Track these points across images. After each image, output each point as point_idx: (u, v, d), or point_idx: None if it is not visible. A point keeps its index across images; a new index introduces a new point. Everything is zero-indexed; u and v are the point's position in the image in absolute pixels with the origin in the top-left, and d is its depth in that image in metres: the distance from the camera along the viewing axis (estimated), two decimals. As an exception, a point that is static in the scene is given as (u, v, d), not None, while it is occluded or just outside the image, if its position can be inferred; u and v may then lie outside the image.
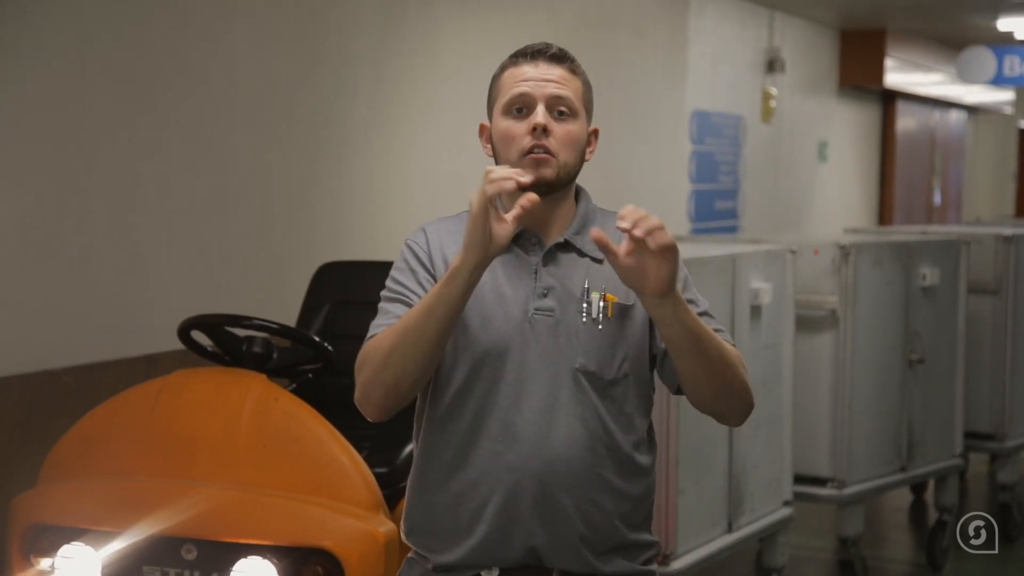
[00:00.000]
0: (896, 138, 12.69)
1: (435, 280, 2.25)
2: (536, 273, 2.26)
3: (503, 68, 2.31)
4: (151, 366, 4.60)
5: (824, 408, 5.28)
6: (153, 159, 4.79)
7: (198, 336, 3.72)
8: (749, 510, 4.65)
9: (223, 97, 5.10)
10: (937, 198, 14.24)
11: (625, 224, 2.03)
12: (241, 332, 3.65)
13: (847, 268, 5.25)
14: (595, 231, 2.07)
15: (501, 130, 2.26)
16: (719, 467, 4.47)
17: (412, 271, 2.28)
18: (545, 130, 2.22)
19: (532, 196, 2.08)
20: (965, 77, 11.77)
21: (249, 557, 3.13)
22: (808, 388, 5.22)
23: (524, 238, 2.28)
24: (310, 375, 3.75)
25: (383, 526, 3.18)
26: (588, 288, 2.25)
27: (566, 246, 2.29)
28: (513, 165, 2.23)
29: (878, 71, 11.60)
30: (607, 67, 7.83)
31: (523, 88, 2.25)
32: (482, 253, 2.09)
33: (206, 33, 5.02)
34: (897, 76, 11.95)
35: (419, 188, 6.23)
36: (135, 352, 4.65)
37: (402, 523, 2.37)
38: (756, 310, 4.63)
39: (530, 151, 2.23)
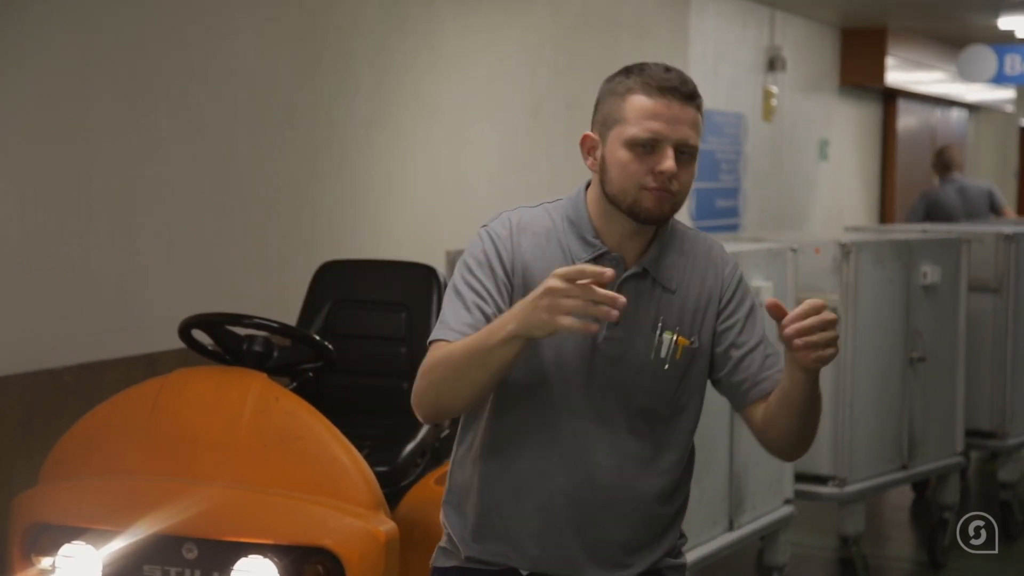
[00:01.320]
0: (897, 137, 12.65)
1: (511, 286, 2.22)
2: None
3: (629, 90, 2.27)
4: (151, 365, 4.60)
5: (825, 406, 5.21)
6: (154, 158, 4.79)
7: (199, 335, 3.71)
8: (750, 508, 4.65)
9: (224, 96, 5.10)
10: None
11: (790, 332, 2.06)
12: (242, 331, 3.65)
13: (848, 266, 5.25)
14: (770, 301, 2.08)
15: (621, 160, 2.23)
16: (720, 465, 4.47)
17: (492, 269, 2.24)
18: (672, 176, 2.22)
19: (621, 300, 2.01)
20: (966, 76, 11.75)
21: (250, 556, 3.12)
22: (809, 387, 5.20)
23: (606, 259, 2.26)
24: (311, 374, 3.75)
25: (384, 525, 3.18)
26: (662, 327, 2.25)
27: (643, 274, 2.28)
28: (627, 192, 2.22)
29: (879, 70, 11.59)
30: (608, 66, 7.78)
31: (655, 129, 2.22)
32: (542, 335, 2.05)
33: (207, 32, 5.02)
34: (898, 75, 11.94)
35: (421, 187, 6.23)
36: (136, 351, 4.65)
37: (442, 506, 2.38)
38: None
39: (653, 189, 2.21)
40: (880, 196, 12.40)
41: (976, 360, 6.21)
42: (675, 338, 2.25)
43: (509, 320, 2.06)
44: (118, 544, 3.18)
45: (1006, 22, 10.76)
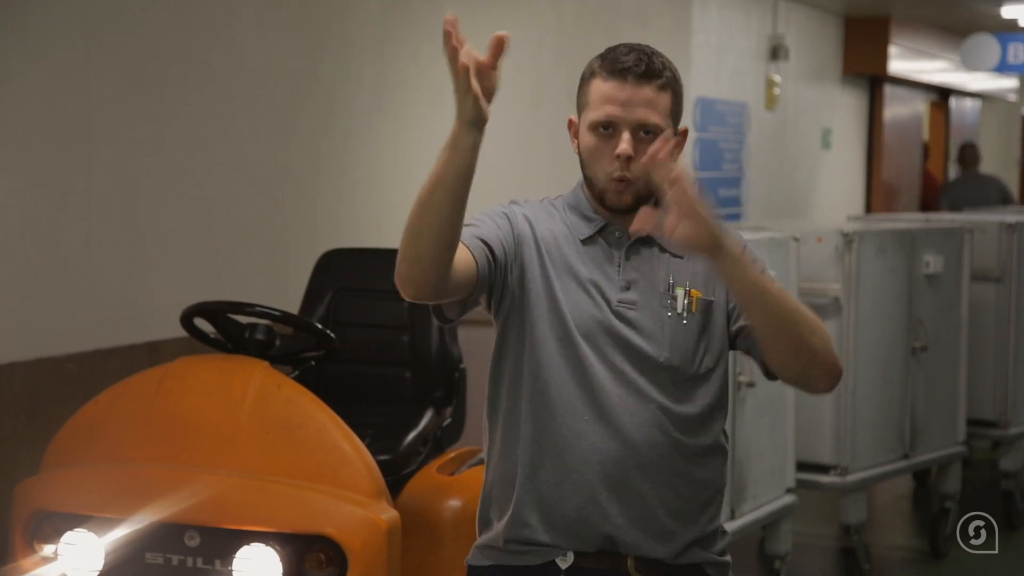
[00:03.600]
0: (884, 124, 12.45)
1: (515, 242, 2.27)
2: (620, 266, 2.29)
3: (592, 73, 2.31)
4: (154, 353, 4.60)
5: (827, 396, 5.27)
6: (156, 147, 4.79)
7: (201, 323, 3.72)
8: (752, 497, 4.65)
9: (227, 85, 5.09)
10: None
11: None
12: (244, 319, 3.66)
13: (850, 256, 5.24)
14: (633, 226, 2.11)
15: (587, 145, 2.30)
16: (722, 454, 4.47)
17: (495, 219, 2.28)
18: (629, 158, 2.25)
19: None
20: (969, 64, 11.74)
21: (252, 544, 3.13)
22: (811, 376, 5.20)
23: (608, 231, 2.32)
24: (313, 362, 3.75)
25: (385, 513, 3.19)
26: (673, 283, 2.28)
27: (648, 241, 2.31)
28: (598, 179, 2.28)
29: (882, 59, 11.56)
30: (610, 54, 7.81)
31: (610, 112, 2.26)
32: (472, 111, 2.08)
33: (210, 21, 5.01)
34: (901, 63, 11.91)
35: (423, 176, 6.21)
36: (138, 339, 4.65)
37: (480, 499, 2.38)
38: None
39: (613, 177, 2.26)
40: (866, 185, 12.24)
41: (978, 349, 6.21)
42: (688, 291, 2.28)
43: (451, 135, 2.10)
44: (120, 532, 3.19)
45: (1009, 11, 10.75)
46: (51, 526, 3.27)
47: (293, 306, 4.40)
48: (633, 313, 2.27)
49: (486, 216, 2.30)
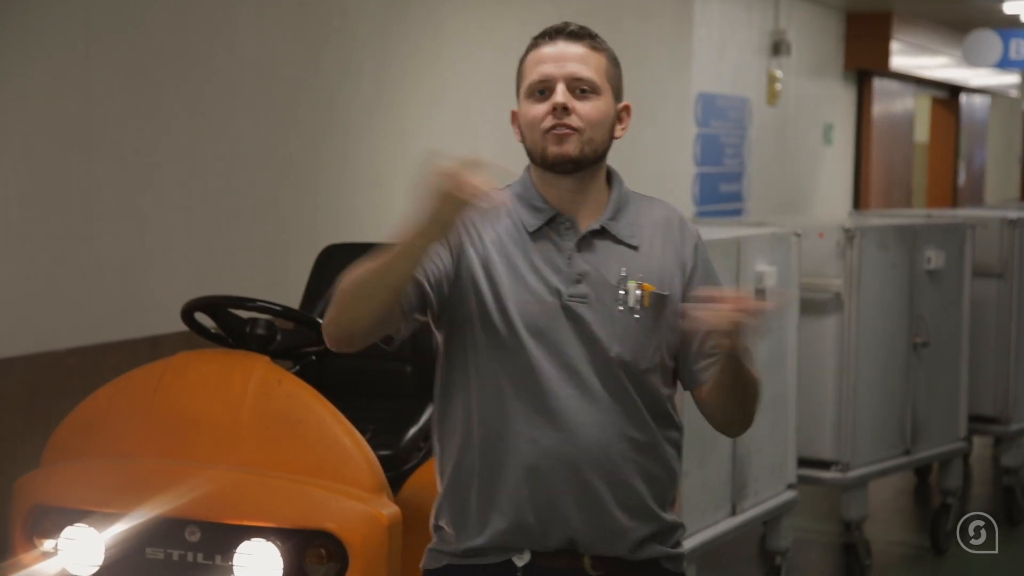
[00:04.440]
0: (872, 119, 12.34)
1: (451, 256, 2.25)
2: (570, 258, 2.25)
3: (527, 52, 2.32)
4: (154, 348, 4.60)
5: (828, 391, 5.27)
6: (157, 142, 4.78)
7: (201, 318, 3.71)
8: (753, 493, 4.65)
9: (228, 80, 5.09)
10: (962, 179, 14.24)
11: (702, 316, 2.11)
12: (244, 314, 3.65)
13: (852, 251, 5.24)
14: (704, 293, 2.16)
15: (526, 113, 2.27)
16: (723, 450, 4.47)
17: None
18: (565, 109, 2.22)
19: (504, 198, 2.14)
20: (971, 60, 11.71)
21: (252, 539, 3.12)
22: (812, 371, 5.21)
23: (557, 222, 2.27)
24: (313, 357, 3.75)
25: (386, 508, 3.18)
26: (626, 276, 2.25)
27: (601, 232, 2.28)
28: (537, 145, 2.25)
29: (884, 54, 11.54)
30: (612, 48, 7.79)
31: (543, 69, 2.26)
32: (440, 235, 2.10)
33: (211, 18, 5.00)
34: (903, 59, 11.89)
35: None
36: (138, 334, 4.64)
37: (433, 508, 2.36)
38: (761, 293, 4.62)
39: (551, 129, 2.22)
40: (854, 182, 12.13)
41: (980, 345, 6.21)
42: (639, 284, 2.24)
43: (410, 226, 2.12)
44: (120, 527, 3.18)
45: (1011, 6, 10.73)
46: (51, 521, 3.27)
47: (294, 301, 4.40)
48: (584, 307, 2.23)
49: None
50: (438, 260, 2.24)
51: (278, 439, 3.24)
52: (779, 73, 10.13)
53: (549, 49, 2.27)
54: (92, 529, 3.21)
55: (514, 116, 2.34)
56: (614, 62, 2.32)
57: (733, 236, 4.55)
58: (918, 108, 13.76)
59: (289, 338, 3.64)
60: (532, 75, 2.27)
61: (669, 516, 2.33)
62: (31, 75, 4.32)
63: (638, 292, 2.24)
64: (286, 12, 5.38)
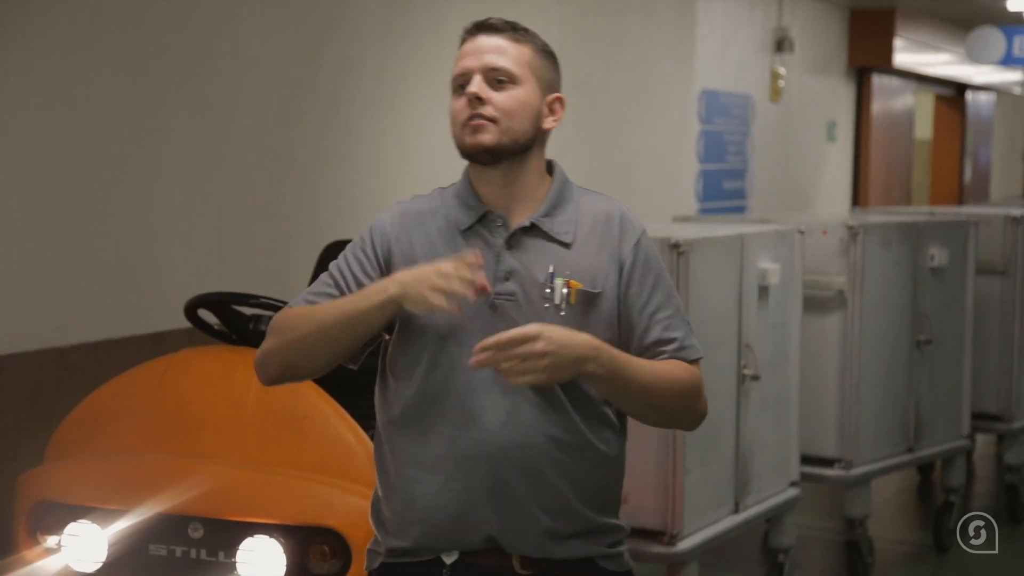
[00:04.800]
0: (872, 116, 12.30)
1: (382, 272, 2.25)
2: (499, 256, 2.23)
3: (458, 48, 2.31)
4: (158, 344, 4.60)
5: (831, 389, 5.27)
6: (160, 139, 4.79)
7: (205, 314, 3.71)
8: (756, 491, 4.64)
9: (230, 78, 5.09)
10: (967, 176, 14.23)
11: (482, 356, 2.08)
12: (248, 310, 3.65)
13: (855, 248, 5.23)
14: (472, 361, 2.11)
15: (450, 108, 2.26)
16: (726, 447, 4.47)
17: (364, 256, 2.28)
18: (479, 99, 2.21)
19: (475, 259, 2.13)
20: (974, 57, 11.70)
21: (255, 536, 3.13)
22: (816, 369, 5.21)
23: (489, 219, 2.26)
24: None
25: (389, 505, 3.18)
26: (553, 273, 2.21)
27: (532, 229, 2.25)
28: (458, 138, 2.24)
29: (887, 51, 11.52)
30: (615, 47, 7.80)
31: (461, 64, 2.26)
32: (414, 309, 2.14)
33: (213, 15, 5.01)
34: (906, 56, 11.87)
35: (425, 168, 6.22)
36: (142, 330, 4.65)
37: (373, 508, 2.37)
38: (764, 290, 4.62)
39: (468, 120, 2.21)
40: (853, 179, 12.08)
41: (983, 343, 6.20)
42: (566, 281, 2.21)
43: (390, 285, 2.13)
44: (124, 523, 3.19)
45: (1015, 3, 10.70)
46: (54, 517, 3.27)
47: (297, 298, 4.39)
48: (511, 305, 2.21)
49: (346, 264, 2.28)
50: (362, 281, 2.26)
51: (281, 436, 3.24)
52: (782, 70, 10.12)
53: (469, 44, 2.28)
54: (95, 525, 3.21)
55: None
56: (542, 53, 2.30)
57: (736, 233, 4.54)
58: (919, 105, 13.74)
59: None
60: (454, 70, 2.27)
61: (602, 518, 2.28)
62: (34, 73, 4.32)
63: (565, 290, 2.21)
64: (288, 10, 5.38)
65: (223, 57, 5.05)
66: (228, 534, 3.15)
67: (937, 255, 5.67)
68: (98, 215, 4.55)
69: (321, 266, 4.30)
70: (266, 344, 2.24)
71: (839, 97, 11.57)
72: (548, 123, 2.29)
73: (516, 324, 2.17)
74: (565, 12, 7.33)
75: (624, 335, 2.26)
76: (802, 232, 4.91)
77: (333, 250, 4.33)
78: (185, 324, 3.77)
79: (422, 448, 2.24)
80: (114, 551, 3.21)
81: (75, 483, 3.30)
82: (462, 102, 2.23)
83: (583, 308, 2.21)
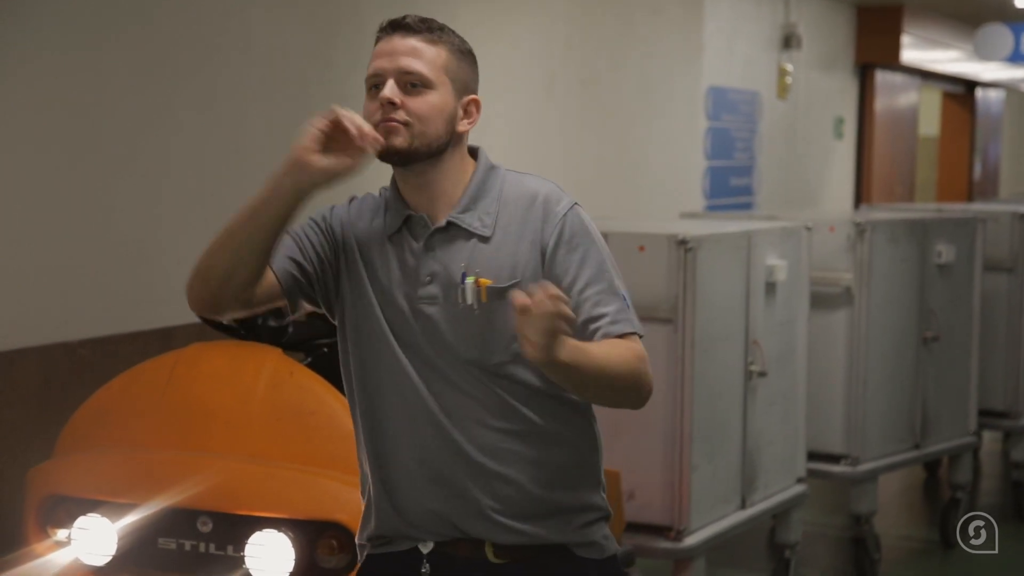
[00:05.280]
0: (875, 113, 12.26)
1: (330, 251, 2.27)
2: (419, 260, 2.22)
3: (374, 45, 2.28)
4: (167, 339, 4.61)
5: (838, 385, 5.27)
6: (169, 134, 4.79)
7: (213, 310, 3.72)
8: (763, 487, 4.65)
9: (239, 73, 5.09)
10: (977, 173, 14.21)
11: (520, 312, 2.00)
12: (256, 306, 3.65)
13: (862, 245, 5.23)
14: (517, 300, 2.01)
15: (364, 109, 2.25)
16: (733, 444, 4.47)
17: (315, 226, 2.30)
18: (392, 104, 2.19)
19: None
20: (982, 54, 11.68)
21: (264, 530, 3.14)
22: (822, 365, 5.21)
23: (413, 221, 2.25)
24: (325, 349, 3.76)
25: (397, 500, 3.19)
26: (464, 272, 2.19)
27: (449, 227, 2.23)
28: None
29: (895, 48, 11.51)
30: (622, 43, 7.79)
31: (375, 64, 2.24)
32: (299, 177, 2.18)
33: (223, 9, 5.01)
34: (914, 53, 11.86)
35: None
36: (151, 325, 4.66)
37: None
38: (771, 287, 4.63)
39: (380, 123, 2.20)
40: (856, 176, 12.04)
41: (990, 340, 6.20)
42: (475, 280, 2.18)
43: (277, 172, 2.18)
44: (133, 517, 3.20)
45: (1023, 0, 10.69)
46: (64, 511, 3.29)
47: (305, 293, 4.40)
48: (433, 308, 2.20)
49: (300, 231, 2.29)
50: (318, 250, 2.27)
51: (290, 430, 3.25)
52: (789, 67, 10.11)
53: (384, 43, 2.26)
54: (105, 519, 3.23)
55: None
56: (459, 54, 2.27)
57: (743, 230, 4.55)
58: (925, 102, 13.71)
59: (301, 330, 3.65)
60: (368, 70, 2.26)
61: (571, 500, 2.26)
62: (42, 69, 4.33)
63: (475, 288, 2.18)
64: (297, 5, 5.39)
65: (232, 52, 5.06)
66: (237, 528, 3.16)
67: (944, 252, 5.67)
68: (107, 210, 4.56)
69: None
70: (191, 272, 2.25)
71: (846, 94, 11.56)
72: (463, 126, 2.26)
73: (438, 325, 2.19)
74: (572, 9, 7.33)
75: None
76: (809, 229, 4.91)
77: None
78: (194, 319, 3.77)
79: (375, 443, 2.27)
80: (123, 545, 3.22)
81: (85, 477, 3.31)
82: (375, 104, 2.22)
83: (497, 303, 2.18)
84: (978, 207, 7.07)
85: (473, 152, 2.31)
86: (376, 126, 2.19)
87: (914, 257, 5.53)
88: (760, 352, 4.52)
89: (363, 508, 2.35)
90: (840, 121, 11.43)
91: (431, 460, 2.22)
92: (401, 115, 2.19)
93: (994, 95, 14.89)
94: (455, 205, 2.24)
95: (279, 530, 3.13)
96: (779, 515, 4.90)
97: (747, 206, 9.65)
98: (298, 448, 3.23)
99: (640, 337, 2.22)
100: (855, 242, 5.24)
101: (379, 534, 2.31)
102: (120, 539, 3.22)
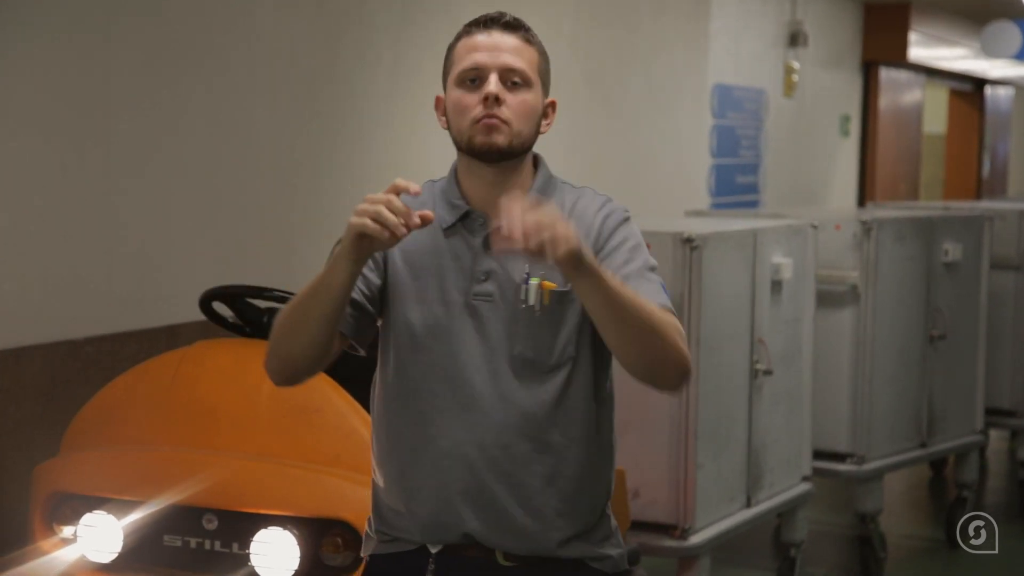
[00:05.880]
0: (879, 110, 12.22)
1: (379, 263, 2.26)
2: (476, 256, 2.22)
3: (458, 38, 2.28)
4: (172, 337, 4.62)
5: (844, 384, 5.26)
6: (173, 131, 4.80)
7: (219, 307, 3.73)
8: (768, 485, 4.65)
9: (245, 70, 5.10)
10: (986, 172, 14.19)
11: (503, 236, 1.98)
12: (262, 303, 3.66)
13: (869, 243, 5.23)
14: (496, 232, 1.99)
15: (454, 100, 2.24)
16: (738, 442, 4.47)
17: None
18: (497, 99, 2.19)
19: (426, 215, 2.08)
20: (989, 52, 11.66)
21: (269, 528, 3.14)
22: (828, 363, 5.20)
23: (471, 218, 2.24)
24: (330, 347, 3.75)
25: (403, 498, 3.19)
26: (528, 274, 2.19)
27: None
28: (464, 133, 2.22)
29: (902, 45, 11.49)
30: (628, 40, 7.79)
31: (476, 58, 2.22)
32: (357, 255, 2.11)
33: (229, 5, 5.01)
34: (921, 50, 11.84)
35: (440, 160, 6.21)
36: (156, 323, 4.66)
37: (373, 499, 2.37)
38: (777, 285, 4.62)
39: (481, 119, 2.20)
40: (859, 174, 12.00)
41: (997, 338, 6.19)
42: (540, 283, 2.18)
43: (335, 253, 2.14)
44: (139, 514, 3.21)
45: (1031, -2, 10.67)
46: (70, 508, 3.29)
47: (311, 291, 4.40)
48: (488, 306, 2.20)
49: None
50: (369, 272, 2.26)
51: (295, 428, 3.25)
52: (796, 64, 10.10)
53: (483, 38, 2.24)
54: (111, 516, 3.23)
55: (438, 102, 2.32)
56: (544, 56, 2.29)
57: (749, 228, 4.54)
58: (933, 100, 13.68)
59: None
60: (464, 62, 2.23)
61: (587, 517, 2.26)
62: (48, 67, 4.34)
63: (539, 290, 2.18)
64: (304, 2, 5.39)
65: (239, 49, 5.06)
66: (242, 526, 3.16)
67: (951, 250, 5.66)
68: (112, 208, 4.56)
69: (335, 259, 4.30)
70: (267, 349, 2.24)
71: (853, 92, 11.54)
72: (543, 127, 2.29)
73: (492, 324, 2.18)
74: (578, 6, 7.33)
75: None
76: (815, 227, 4.91)
77: (347, 243, 4.33)
78: (199, 317, 3.78)
79: (402, 444, 2.25)
80: (129, 542, 3.22)
81: (90, 474, 3.32)
82: (474, 97, 2.21)
83: (558, 307, 2.19)
84: (985, 205, 7.05)
85: (534, 158, 2.33)
86: (477, 122, 2.20)
87: (921, 255, 5.52)
88: (766, 351, 4.52)
89: (377, 501, 2.33)
90: (846, 119, 11.42)
91: (461, 466, 2.20)
92: (504, 112, 2.20)
93: (1003, 92, 14.87)
94: None
95: (284, 528, 3.14)
96: (784, 514, 4.89)
97: (753, 204, 9.64)
98: (303, 446, 3.23)
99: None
100: (861, 240, 5.23)
101: (388, 531, 2.30)
102: (126, 536, 3.22)
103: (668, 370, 2.14)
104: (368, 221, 2.05)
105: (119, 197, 4.58)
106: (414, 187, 2.08)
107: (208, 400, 3.32)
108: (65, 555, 3.27)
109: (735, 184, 9.44)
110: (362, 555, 2.40)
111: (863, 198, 11.68)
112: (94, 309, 4.48)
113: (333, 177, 5.60)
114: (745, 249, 4.45)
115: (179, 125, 4.82)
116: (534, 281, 2.18)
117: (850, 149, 11.60)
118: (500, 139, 2.20)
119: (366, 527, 2.38)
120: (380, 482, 2.31)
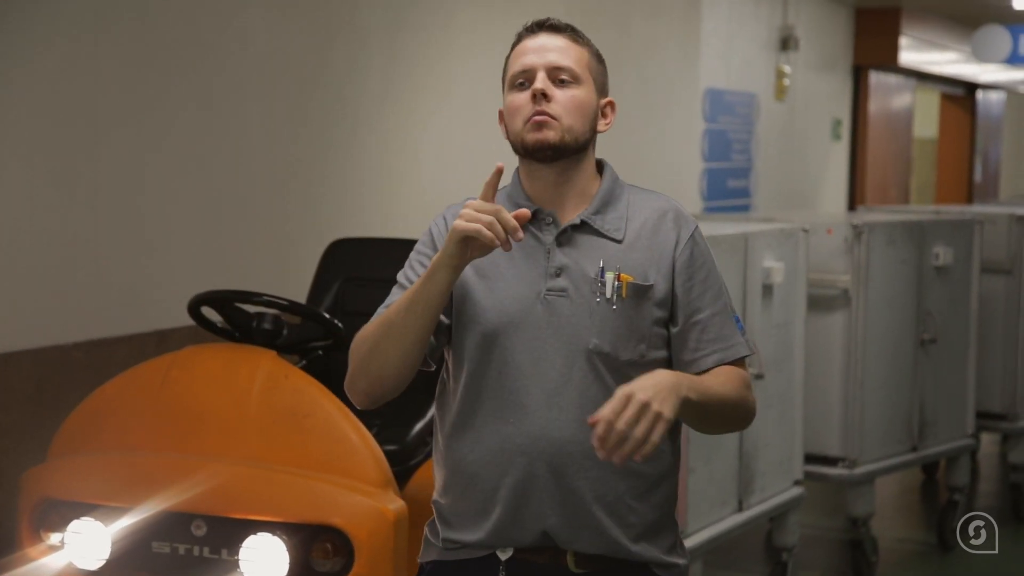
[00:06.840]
0: (869, 114, 12.22)
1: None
2: (549, 253, 2.25)
3: (511, 48, 2.33)
4: (161, 342, 4.60)
5: (835, 387, 5.26)
6: (164, 135, 4.79)
7: (208, 312, 3.71)
8: (759, 489, 4.64)
9: (236, 74, 5.09)
10: (978, 176, 14.21)
11: (598, 446, 2.02)
12: (251, 308, 3.65)
13: (860, 247, 5.23)
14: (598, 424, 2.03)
15: (508, 104, 2.28)
16: (729, 446, 4.47)
17: (426, 257, 2.29)
18: (545, 96, 2.23)
19: (523, 212, 2.14)
20: (980, 56, 11.68)
21: (258, 533, 3.13)
22: (820, 367, 5.20)
23: (539, 217, 2.27)
24: (320, 352, 3.75)
25: (392, 503, 3.18)
26: (603, 268, 2.23)
27: (583, 227, 2.27)
28: (518, 134, 2.25)
29: (893, 49, 11.51)
30: (621, 45, 7.79)
31: (524, 60, 2.27)
32: (460, 260, 2.13)
33: (220, 10, 5.00)
34: (912, 55, 11.86)
35: (432, 165, 6.22)
36: (145, 328, 4.65)
37: (435, 503, 2.36)
38: (768, 289, 4.62)
39: (531, 117, 2.23)
40: (849, 178, 12.00)
41: (988, 342, 6.20)
42: (617, 275, 2.22)
43: (431, 264, 2.15)
44: (127, 520, 3.19)
45: (1021, 2, 10.69)
46: (58, 514, 3.27)
47: (300, 295, 4.40)
48: (563, 301, 2.22)
49: (410, 269, 2.29)
50: None
51: (284, 433, 3.24)
52: (787, 68, 10.11)
53: (531, 42, 2.29)
54: (99, 523, 3.21)
55: (501, 115, 2.34)
56: (597, 58, 2.33)
57: (740, 232, 4.54)
58: (924, 104, 13.70)
59: (296, 333, 3.64)
60: (515, 67, 2.28)
61: (655, 514, 2.28)
62: (38, 69, 4.32)
63: (616, 283, 2.22)
64: (295, 5, 5.38)
65: (229, 52, 5.05)
66: (231, 532, 3.15)
67: (942, 254, 5.66)
68: (101, 212, 4.55)
69: (325, 263, 4.29)
70: (350, 366, 2.24)
71: (844, 96, 11.56)
72: (601, 126, 2.32)
73: (567, 318, 2.21)
74: (570, 9, 7.32)
75: (675, 333, 2.27)
76: (806, 230, 4.91)
77: (337, 247, 4.33)
78: (189, 322, 3.77)
79: (477, 444, 2.25)
80: (117, 548, 3.21)
81: (78, 480, 3.30)
82: (524, 97, 2.25)
83: (634, 301, 2.23)
84: (976, 209, 7.06)
85: (598, 162, 2.36)
86: (527, 121, 2.23)
87: (912, 259, 5.52)
88: (757, 354, 4.51)
89: (441, 508, 2.32)
90: (837, 123, 11.43)
91: (540, 462, 2.21)
92: (553, 108, 2.23)
93: (995, 97, 14.90)
94: (586, 206, 2.29)
95: (274, 534, 3.12)
96: (776, 518, 4.89)
97: (744, 208, 9.64)
98: (293, 451, 3.22)
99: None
100: (852, 244, 5.23)
101: (459, 537, 2.29)
102: (114, 543, 3.21)
103: (739, 427, 2.36)
104: (482, 227, 2.08)
105: (108, 201, 4.57)
106: (524, 212, 2.15)
107: (197, 405, 3.31)
108: (53, 562, 3.25)
109: (727, 188, 9.45)
110: (419, 560, 2.39)
111: (854, 202, 11.69)
112: (83, 314, 4.46)
113: (324, 182, 5.59)
114: (736, 253, 4.44)
115: (170, 131, 4.81)
116: (610, 275, 2.23)
117: (841, 153, 11.62)
118: (551, 135, 2.23)
119: (425, 532, 2.38)
120: (450, 486, 2.30)
